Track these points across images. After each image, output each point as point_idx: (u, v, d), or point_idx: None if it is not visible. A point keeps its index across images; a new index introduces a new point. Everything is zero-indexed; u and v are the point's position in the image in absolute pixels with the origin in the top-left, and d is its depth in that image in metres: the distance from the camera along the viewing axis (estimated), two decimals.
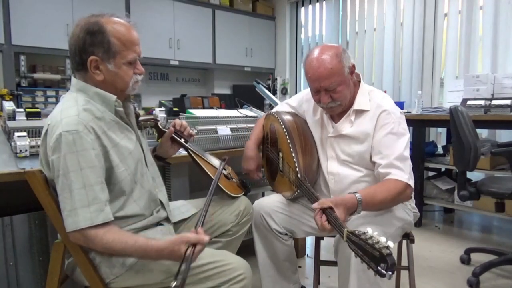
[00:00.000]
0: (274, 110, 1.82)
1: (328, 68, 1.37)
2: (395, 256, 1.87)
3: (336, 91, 1.41)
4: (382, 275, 0.90)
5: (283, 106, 1.78)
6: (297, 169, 1.45)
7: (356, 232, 1.01)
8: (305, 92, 1.69)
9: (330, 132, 1.54)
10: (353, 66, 1.46)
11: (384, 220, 1.39)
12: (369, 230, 0.98)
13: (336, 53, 1.40)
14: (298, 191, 1.47)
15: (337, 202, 1.21)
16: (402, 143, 1.41)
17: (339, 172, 1.51)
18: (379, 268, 0.90)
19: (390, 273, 0.89)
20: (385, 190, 1.33)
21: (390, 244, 0.92)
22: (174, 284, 1.00)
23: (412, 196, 1.59)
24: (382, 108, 1.45)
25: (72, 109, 1.08)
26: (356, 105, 1.49)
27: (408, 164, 1.40)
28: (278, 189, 1.68)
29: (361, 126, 1.47)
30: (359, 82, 1.54)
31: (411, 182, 1.38)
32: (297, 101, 1.73)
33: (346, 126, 1.50)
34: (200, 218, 1.16)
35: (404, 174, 1.36)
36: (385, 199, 1.32)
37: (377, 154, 1.42)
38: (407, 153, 1.41)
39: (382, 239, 0.93)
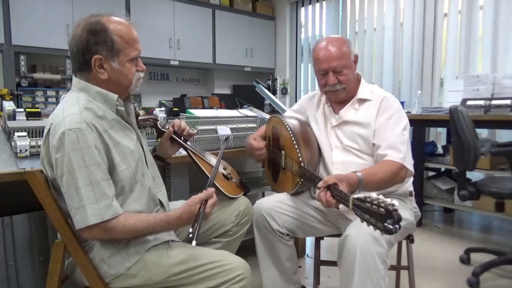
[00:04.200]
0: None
1: (337, 50, 1.51)
2: (395, 256, 1.90)
3: (342, 74, 1.52)
4: (389, 231, 0.94)
5: (287, 113, 1.88)
6: (300, 159, 1.50)
7: (362, 197, 1.05)
8: (305, 97, 1.83)
9: (333, 122, 1.62)
10: (356, 56, 1.58)
11: None
12: (373, 194, 1.03)
13: (343, 40, 1.55)
14: (300, 182, 1.51)
15: (340, 178, 1.28)
16: (401, 126, 1.50)
17: (344, 160, 1.56)
18: (385, 224, 0.93)
19: (397, 226, 0.92)
20: (383, 170, 1.41)
21: (396, 202, 0.96)
22: (191, 229, 1.08)
23: (413, 194, 1.60)
24: (383, 96, 1.57)
25: (74, 107, 1.08)
26: (360, 95, 1.60)
27: (406, 146, 1.48)
28: (281, 187, 1.70)
29: (364, 112, 1.57)
30: (360, 79, 1.64)
31: (407, 163, 1.45)
32: (299, 105, 1.84)
33: (350, 113, 1.59)
34: (210, 178, 1.31)
35: (400, 154, 1.43)
36: (383, 178, 1.39)
37: (377, 137, 1.51)
38: (405, 136, 1.50)
39: (388, 199, 0.97)
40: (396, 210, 0.93)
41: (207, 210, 1.15)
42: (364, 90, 1.60)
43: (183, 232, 1.41)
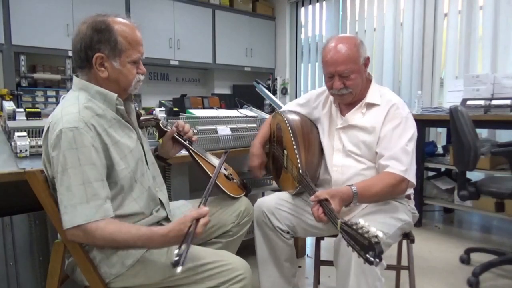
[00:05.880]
0: (282, 109, 1.87)
1: (345, 54, 1.45)
2: (395, 256, 1.90)
3: (349, 78, 1.47)
4: (370, 263, 0.93)
5: (292, 105, 1.83)
6: (299, 165, 1.49)
7: (349, 222, 1.05)
8: (313, 92, 1.78)
9: (339, 124, 1.58)
10: (368, 58, 1.53)
11: (384, 220, 1.40)
12: (361, 221, 1.02)
13: (354, 43, 1.48)
14: (300, 186, 1.50)
15: (332, 194, 1.27)
16: (406, 137, 1.45)
17: (343, 164, 1.54)
18: (367, 256, 0.94)
19: (377, 260, 0.92)
20: (380, 183, 1.38)
21: (380, 233, 0.95)
22: (177, 251, 0.95)
23: (412, 197, 1.60)
24: (392, 102, 1.51)
25: (73, 106, 1.09)
26: (368, 99, 1.55)
27: (410, 158, 1.43)
28: (283, 185, 1.71)
29: (371, 118, 1.52)
30: (371, 80, 1.60)
31: (409, 176, 1.41)
32: (306, 99, 1.78)
33: (356, 117, 1.55)
34: (203, 198, 1.17)
35: (402, 167, 1.39)
36: (381, 191, 1.37)
37: (381, 146, 1.47)
38: (410, 147, 1.44)
39: (372, 229, 0.97)
40: (379, 242, 0.93)
41: (198, 230, 1.03)
42: (373, 93, 1.55)
43: None
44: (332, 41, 1.50)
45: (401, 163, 1.40)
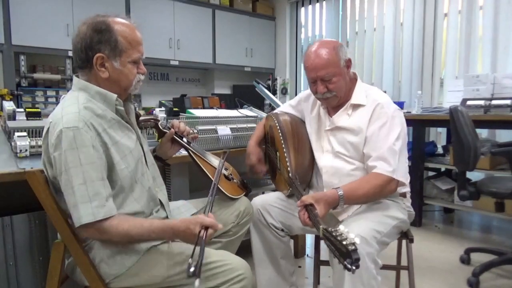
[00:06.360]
0: (275, 111, 1.88)
1: (324, 59, 1.45)
2: (394, 256, 1.90)
3: (331, 82, 1.47)
4: (348, 269, 0.95)
5: (285, 107, 1.85)
6: (288, 169, 1.50)
7: (330, 229, 1.06)
8: (303, 93, 1.79)
9: (327, 126, 1.59)
10: (349, 60, 1.51)
11: (378, 219, 1.41)
12: (341, 227, 1.03)
13: (333, 46, 1.48)
14: (290, 189, 1.53)
15: (317, 198, 1.29)
16: (393, 136, 1.44)
17: (333, 165, 1.55)
18: (345, 262, 0.95)
19: (354, 267, 0.94)
20: (367, 185, 1.38)
21: (357, 240, 0.97)
22: (190, 260, 0.97)
23: (408, 195, 1.61)
24: (377, 102, 1.50)
25: (73, 106, 1.09)
26: (354, 100, 1.54)
27: (397, 158, 1.43)
28: (277, 186, 1.73)
29: (357, 119, 1.52)
30: (356, 80, 1.59)
31: (397, 175, 1.41)
32: (297, 101, 1.80)
33: (343, 118, 1.55)
34: (208, 205, 1.19)
35: (389, 167, 1.39)
36: (367, 193, 1.38)
37: (368, 146, 1.47)
38: (397, 146, 1.44)
39: (350, 236, 0.98)
40: (355, 250, 0.94)
41: (206, 239, 1.06)
42: (358, 94, 1.54)
43: None
44: (312, 47, 1.50)
45: (389, 163, 1.40)
